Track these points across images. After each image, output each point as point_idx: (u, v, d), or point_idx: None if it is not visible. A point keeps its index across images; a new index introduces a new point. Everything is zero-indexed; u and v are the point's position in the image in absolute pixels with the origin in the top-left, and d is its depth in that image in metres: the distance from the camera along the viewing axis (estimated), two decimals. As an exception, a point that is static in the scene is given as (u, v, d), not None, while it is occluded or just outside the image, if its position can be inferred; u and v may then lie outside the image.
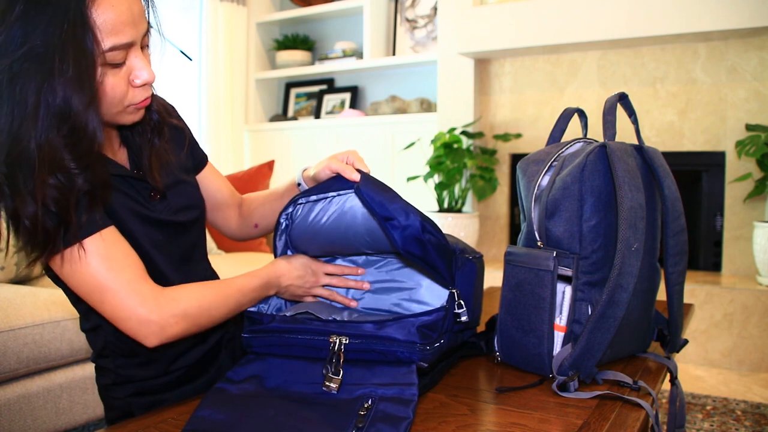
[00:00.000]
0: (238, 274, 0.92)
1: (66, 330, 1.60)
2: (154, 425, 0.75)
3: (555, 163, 0.92)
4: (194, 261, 0.99)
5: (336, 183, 0.89)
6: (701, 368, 2.55)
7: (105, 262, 0.78)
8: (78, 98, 0.73)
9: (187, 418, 0.74)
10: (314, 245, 0.97)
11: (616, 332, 0.83)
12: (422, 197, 3.25)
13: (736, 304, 2.52)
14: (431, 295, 0.99)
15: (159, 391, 0.95)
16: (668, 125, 2.86)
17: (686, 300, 2.08)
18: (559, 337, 0.87)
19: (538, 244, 0.90)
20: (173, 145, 0.99)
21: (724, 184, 2.76)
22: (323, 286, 1.01)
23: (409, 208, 0.81)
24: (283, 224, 0.95)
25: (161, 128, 0.95)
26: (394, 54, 3.63)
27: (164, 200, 0.93)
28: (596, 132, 2.80)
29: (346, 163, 0.91)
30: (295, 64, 3.93)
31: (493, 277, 2.59)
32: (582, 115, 1.04)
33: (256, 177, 2.89)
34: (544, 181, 0.92)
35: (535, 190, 0.92)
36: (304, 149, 3.80)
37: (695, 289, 2.57)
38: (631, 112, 0.97)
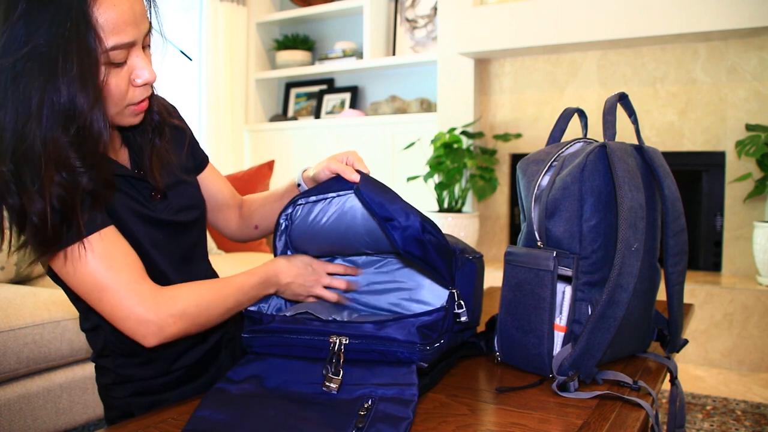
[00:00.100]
0: (238, 273, 0.91)
1: (66, 330, 1.60)
2: (154, 425, 0.75)
3: (555, 163, 0.92)
4: (195, 261, 0.99)
5: (336, 184, 0.89)
6: (701, 368, 2.55)
7: (104, 261, 0.78)
8: (83, 97, 0.73)
9: (187, 418, 0.74)
10: (314, 246, 0.97)
11: (616, 332, 0.83)
12: (422, 197, 3.25)
13: (736, 304, 2.52)
14: (431, 295, 0.99)
15: (159, 391, 0.95)
16: (668, 125, 2.87)
17: (686, 300, 2.08)
18: (559, 337, 0.87)
19: (538, 244, 0.90)
20: (174, 146, 0.99)
21: (724, 184, 2.76)
22: (325, 286, 1.01)
23: (408, 209, 0.81)
24: (283, 225, 0.95)
25: (162, 128, 0.95)
26: (394, 54, 3.63)
27: (165, 200, 0.93)
28: (596, 132, 2.80)
29: (346, 164, 0.91)
30: (295, 64, 3.93)
31: (493, 277, 2.59)
32: (582, 115, 1.04)
33: (256, 177, 2.88)
34: (544, 181, 0.92)
35: (535, 190, 0.92)
36: (304, 149, 3.80)
37: (695, 289, 2.57)
38: (631, 112, 0.97)
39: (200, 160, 1.06)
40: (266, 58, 4.10)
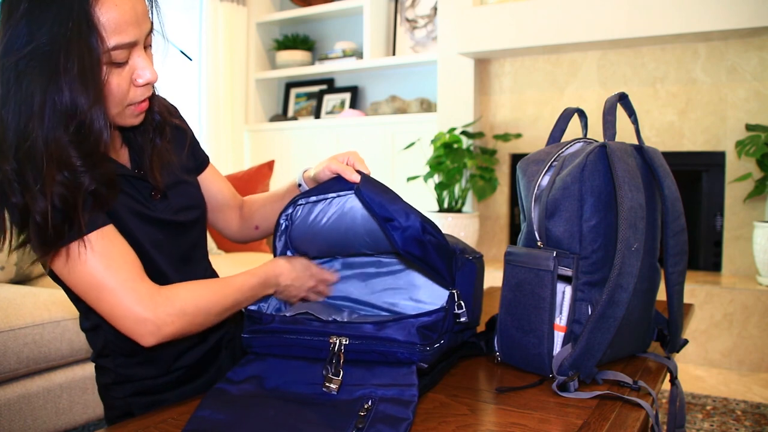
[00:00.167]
0: (238, 273, 0.91)
1: (66, 330, 1.60)
2: (154, 425, 0.75)
3: (555, 163, 0.92)
4: (195, 261, 0.99)
5: (336, 184, 0.89)
6: (701, 368, 2.55)
7: (103, 260, 0.78)
8: (84, 97, 0.73)
9: (187, 418, 0.74)
10: (314, 246, 0.97)
11: (616, 332, 0.83)
12: (422, 197, 3.25)
13: (736, 304, 2.52)
14: (431, 295, 0.99)
15: (159, 390, 0.95)
16: (668, 125, 2.87)
17: (686, 300, 2.08)
18: (559, 337, 0.87)
19: (538, 244, 0.90)
20: (175, 146, 0.99)
21: (724, 184, 2.76)
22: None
23: (409, 209, 0.81)
24: (283, 225, 0.95)
25: (163, 128, 0.95)
26: (394, 54, 3.63)
27: (165, 200, 0.93)
28: (596, 132, 2.80)
29: (347, 164, 0.91)
30: (295, 64, 3.93)
31: (493, 277, 2.59)
32: (582, 115, 1.04)
33: (256, 177, 2.89)
34: (544, 181, 0.92)
35: (535, 190, 0.92)
36: (304, 149, 3.80)
37: (695, 289, 2.57)
38: (631, 112, 0.97)
39: (201, 161, 1.06)
40: (266, 58, 4.10)
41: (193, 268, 0.98)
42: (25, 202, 0.74)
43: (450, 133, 3.00)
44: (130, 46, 0.77)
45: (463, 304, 0.83)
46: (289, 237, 0.97)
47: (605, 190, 0.86)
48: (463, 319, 0.83)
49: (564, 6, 2.83)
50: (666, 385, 1.99)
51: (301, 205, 0.93)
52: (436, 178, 3.07)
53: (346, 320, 0.92)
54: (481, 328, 1.05)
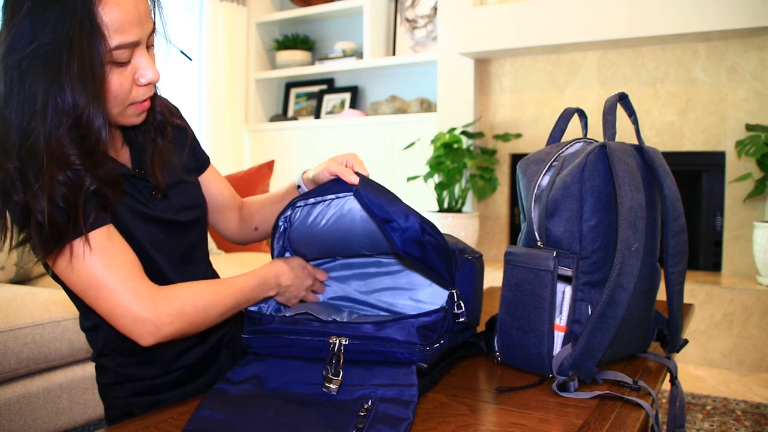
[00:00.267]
0: (238, 274, 0.92)
1: (66, 330, 1.60)
2: (154, 425, 0.75)
3: (555, 163, 0.92)
4: (195, 261, 0.99)
5: (335, 186, 0.89)
6: (701, 368, 2.55)
7: (102, 259, 0.78)
8: (85, 96, 0.73)
9: (187, 418, 0.74)
10: (313, 248, 0.97)
11: (616, 332, 0.83)
12: (422, 197, 3.25)
13: (736, 304, 2.52)
14: (431, 295, 0.99)
15: (159, 390, 0.95)
16: (668, 125, 2.86)
17: (686, 300, 2.08)
18: (559, 337, 0.87)
19: (538, 244, 0.90)
20: (176, 146, 0.99)
21: (724, 184, 2.76)
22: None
23: (408, 210, 0.81)
24: (282, 227, 0.95)
25: (164, 128, 0.95)
26: (394, 54, 3.63)
27: (165, 199, 0.93)
28: (596, 132, 2.80)
29: (346, 166, 0.91)
30: (295, 64, 3.93)
31: (493, 277, 2.59)
32: (582, 115, 1.04)
33: (256, 177, 2.88)
34: (544, 181, 0.92)
35: (535, 190, 0.92)
36: (304, 149, 3.80)
37: (695, 289, 2.57)
38: (631, 112, 0.97)
39: (202, 161, 1.06)
40: (266, 58, 4.10)
41: (193, 269, 0.98)
42: (27, 201, 0.74)
43: (450, 133, 3.00)
44: (133, 45, 0.77)
45: (462, 304, 0.83)
46: (287, 239, 0.97)
47: (605, 190, 0.86)
48: (462, 319, 0.83)
49: (564, 6, 2.83)
50: (666, 385, 1.99)
51: (299, 207, 0.93)
52: (436, 178, 3.07)
53: (345, 320, 0.92)
54: (481, 328, 1.05)
